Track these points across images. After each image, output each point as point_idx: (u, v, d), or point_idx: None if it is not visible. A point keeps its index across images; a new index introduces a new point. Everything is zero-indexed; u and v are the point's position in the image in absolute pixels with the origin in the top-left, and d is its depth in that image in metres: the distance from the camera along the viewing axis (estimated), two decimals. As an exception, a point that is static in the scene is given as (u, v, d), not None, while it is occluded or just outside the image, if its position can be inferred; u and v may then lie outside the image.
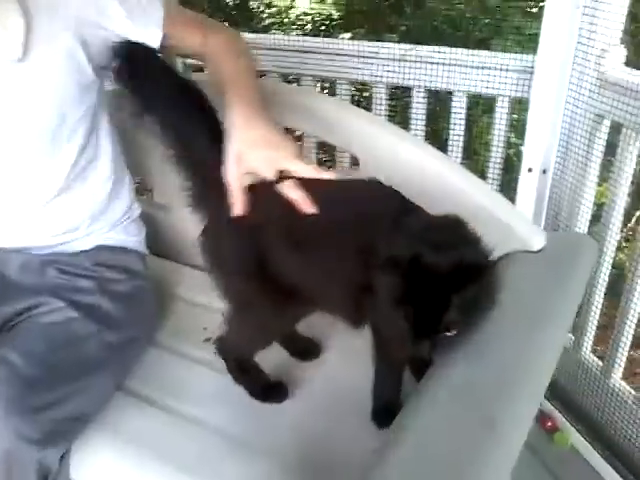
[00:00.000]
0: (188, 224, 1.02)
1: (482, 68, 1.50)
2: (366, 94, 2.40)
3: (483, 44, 2.03)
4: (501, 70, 1.47)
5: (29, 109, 1.03)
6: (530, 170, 1.46)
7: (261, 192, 0.94)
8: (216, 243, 1.00)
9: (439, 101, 1.78)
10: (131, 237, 1.26)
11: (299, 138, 1.62)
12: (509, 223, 1.09)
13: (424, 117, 1.62)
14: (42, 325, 1.05)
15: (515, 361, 0.86)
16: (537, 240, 1.09)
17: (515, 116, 1.60)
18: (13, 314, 1.09)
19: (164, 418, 1.08)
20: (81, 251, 1.18)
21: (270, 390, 1.09)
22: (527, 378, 0.85)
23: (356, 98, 2.36)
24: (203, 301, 1.35)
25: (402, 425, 0.80)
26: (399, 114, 1.86)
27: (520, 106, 1.55)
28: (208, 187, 0.98)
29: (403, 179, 0.97)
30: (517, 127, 1.69)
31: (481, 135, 1.77)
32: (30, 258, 1.14)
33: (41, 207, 1.12)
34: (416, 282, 0.75)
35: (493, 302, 0.82)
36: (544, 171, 1.47)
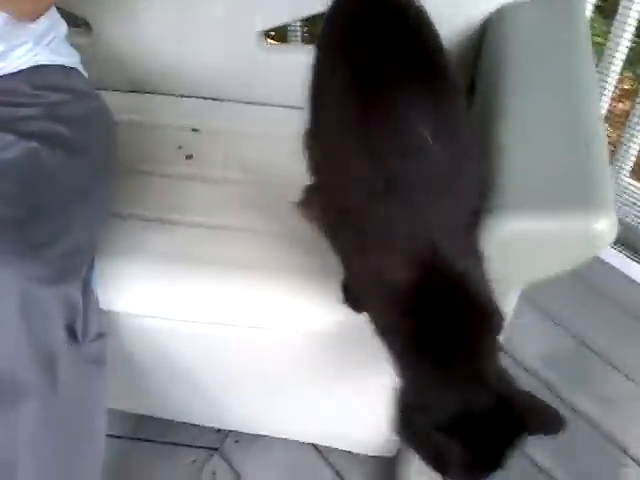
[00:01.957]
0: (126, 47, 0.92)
1: None
2: None
3: None
4: None
5: None
6: None
7: None
8: None
9: None
10: (65, 57, 1.13)
11: None
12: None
13: None
14: (3, 163, 0.93)
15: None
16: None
17: None
18: None
19: (179, 231, 1.09)
20: (12, 74, 1.04)
21: None
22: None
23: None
24: (169, 122, 1.30)
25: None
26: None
27: None
28: None
29: None
30: None
31: None
32: None
33: None
34: None
35: None
36: None
